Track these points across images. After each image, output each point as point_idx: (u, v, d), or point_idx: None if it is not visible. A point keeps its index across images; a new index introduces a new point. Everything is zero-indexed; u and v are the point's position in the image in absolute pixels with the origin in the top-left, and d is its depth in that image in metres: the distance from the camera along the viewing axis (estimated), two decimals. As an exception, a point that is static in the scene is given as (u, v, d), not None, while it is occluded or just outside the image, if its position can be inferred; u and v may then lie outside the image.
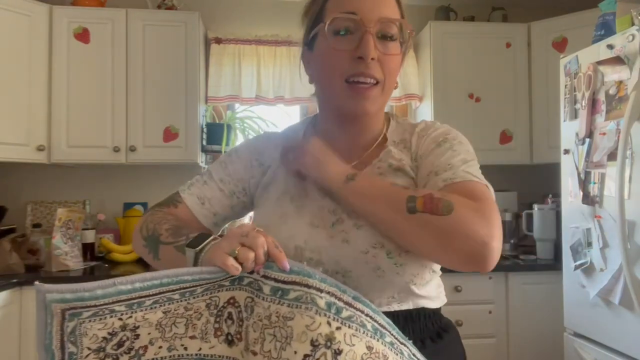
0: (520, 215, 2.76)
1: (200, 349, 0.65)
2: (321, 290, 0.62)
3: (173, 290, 0.65)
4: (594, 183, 1.89)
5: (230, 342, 0.66)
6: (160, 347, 0.64)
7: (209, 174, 0.92)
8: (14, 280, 2.15)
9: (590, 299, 1.92)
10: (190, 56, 2.65)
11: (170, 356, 0.65)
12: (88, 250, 2.58)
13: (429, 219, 0.65)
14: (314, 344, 0.59)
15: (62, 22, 2.55)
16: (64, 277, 2.26)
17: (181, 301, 0.66)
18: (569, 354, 2.10)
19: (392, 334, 0.66)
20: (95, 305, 0.62)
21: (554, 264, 2.45)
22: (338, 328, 0.60)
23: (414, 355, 0.67)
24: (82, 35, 2.57)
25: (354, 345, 0.60)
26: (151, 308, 0.64)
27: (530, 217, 2.68)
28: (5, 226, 2.57)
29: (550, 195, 2.65)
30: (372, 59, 0.74)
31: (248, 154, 0.91)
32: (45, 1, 2.54)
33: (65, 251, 2.38)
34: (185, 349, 0.65)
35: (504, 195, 2.78)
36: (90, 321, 0.62)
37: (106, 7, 2.71)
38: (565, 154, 2.13)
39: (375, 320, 0.65)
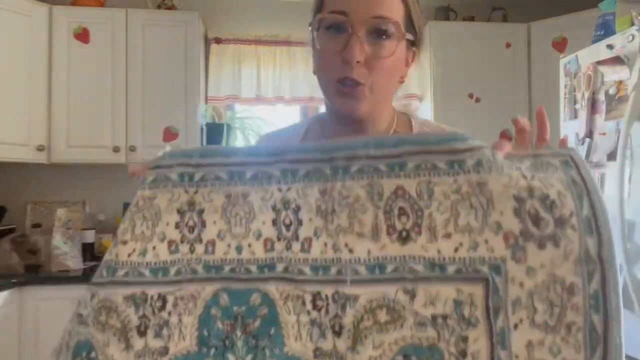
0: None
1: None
2: (171, 166, 0.64)
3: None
4: (594, 183, 1.89)
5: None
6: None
7: None
8: (14, 280, 2.15)
9: (590, 299, 1.92)
10: (190, 56, 2.65)
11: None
12: (88, 250, 2.58)
13: None
14: (180, 212, 0.63)
15: (62, 22, 2.55)
16: (64, 277, 2.26)
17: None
18: (568, 354, 2.10)
19: (254, 165, 0.63)
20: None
21: (554, 264, 2.45)
22: (195, 192, 0.63)
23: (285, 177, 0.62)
24: (82, 35, 2.57)
25: (212, 200, 0.62)
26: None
27: (530, 217, 2.68)
28: (5, 226, 2.57)
29: (550, 195, 2.65)
30: (358, 62, 0.73)
31: None
32: (45, 1, 2.54)
33: (65, 251, 2.38)
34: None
35: (504, 195, 2.78)
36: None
37: (106, 7, 2.71)
38: (565, 154, 2.13)
39: (229, 165, 0.63)
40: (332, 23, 0.75)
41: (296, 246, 0.59)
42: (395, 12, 0.75)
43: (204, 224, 0.62)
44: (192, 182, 0.63)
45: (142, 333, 0.60)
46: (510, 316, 0.51)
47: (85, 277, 2.29)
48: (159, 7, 2.74)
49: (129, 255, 0.62)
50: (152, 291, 0.61)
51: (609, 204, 1.86)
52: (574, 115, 2.06)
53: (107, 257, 0.63)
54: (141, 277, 0.61)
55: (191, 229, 0.63)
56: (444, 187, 0.56)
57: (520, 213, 0.53)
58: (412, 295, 0.54)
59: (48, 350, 2.23)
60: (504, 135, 2.81)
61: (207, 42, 2.90)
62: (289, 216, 0.60)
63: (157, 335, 0.59)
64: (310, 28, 0.83)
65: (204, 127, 2.81)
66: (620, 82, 1.76)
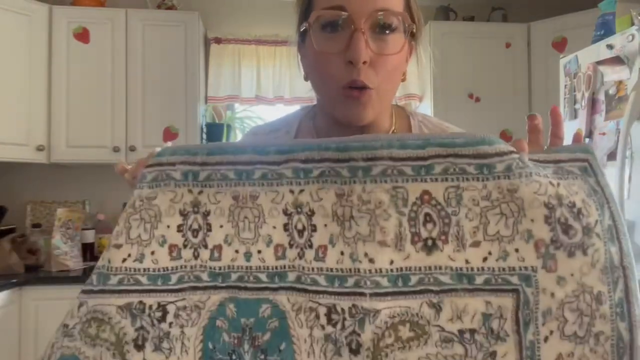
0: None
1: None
2: (173, 164, 0.58)
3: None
4: (594, 183, 1.89)
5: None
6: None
7: None
8: (14, 281, 2.15)
9: (590, 299, 1.92)
10: (190, 56, 2.65)
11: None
12: (88, 250, 2.59)
13: None
14: (183, 214, 0.57)
15: (61, 22, 2.55)
16: (64, 277, 2.26)
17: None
18: (568, 354, 2.10)
19: (263, 164, 0.58)
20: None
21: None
22: (200, 192, 0.58)
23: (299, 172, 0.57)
24: (82, 35, 2.57)
25: (219, 202, 0.57)
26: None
27: (530, 217, 2.68)
28: (5, 226, 2.57)
29: (550, 195, 2.66)
30: (365, 62, 0.65)
31: None
32: (45, 1, 2.54)
33: (65, 251, 2.38)
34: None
35: (504, 195, 2.78)
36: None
37: (106, 7, 2.71)
38: (565, 154, 2.13)
39: (237, 163, 0.58)
40: (329, 21, 0.67)
41: (310, 254, 0.54)
42: (396, 1, 0.68)
43: (209, 228, 0.57)
44: (196, 181, 0.58)
45: (139, 347, 0.54)
46: (540, 328, 0.49)
47: (85, 277, 2.29)
48: (159, 7, 2.74)
49: (124, 260, 0.57)
50: (151, 300, 0.55)
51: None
52: (574, 115, 2.06)
53: (99, 263, 0.58)
54: (138, 285, 0.56)
55: (195, 233, 0.57)
56: (473, 193, 0.53)
57: (551, 221, 0.51)
58: (438, 309, 0.51)
59: (48, 350, 2.16)
60: (504, 135, 2.81)
61: (207, 42, 2.90)
62: (301, 221, 0.55)
63: (157, 348, 0.54)
64: (296, 31, 0.75)
65: (203, 127, 2.81)
66: (620, 82, 1.76)
